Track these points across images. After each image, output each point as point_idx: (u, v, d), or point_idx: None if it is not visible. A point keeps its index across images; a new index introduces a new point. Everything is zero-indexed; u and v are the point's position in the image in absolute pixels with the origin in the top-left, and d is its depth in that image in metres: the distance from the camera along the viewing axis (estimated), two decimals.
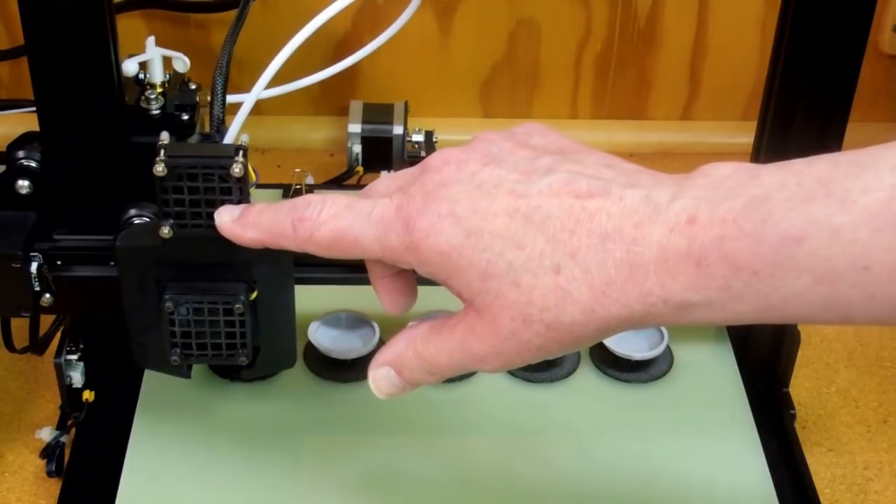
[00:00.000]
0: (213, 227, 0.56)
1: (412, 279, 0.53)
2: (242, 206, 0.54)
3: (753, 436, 0.73)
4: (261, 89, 0.69)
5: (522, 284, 0.44)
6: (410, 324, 0.52)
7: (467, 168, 0.47)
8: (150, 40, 0.69)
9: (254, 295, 0.59)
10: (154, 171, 0.54)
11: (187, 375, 0.63)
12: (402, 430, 0.72)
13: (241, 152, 0.55)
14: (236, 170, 0.54)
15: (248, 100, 0.69)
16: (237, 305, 0.58)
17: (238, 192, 0.55)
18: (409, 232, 0.47)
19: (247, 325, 0.59)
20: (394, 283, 0.53)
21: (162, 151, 0.54)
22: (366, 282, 0.54)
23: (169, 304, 0.58)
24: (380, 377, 0.52)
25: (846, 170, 0.40)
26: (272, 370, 0.65)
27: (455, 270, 0.46)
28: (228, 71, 0.63)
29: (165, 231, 0.56)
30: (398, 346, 0.51)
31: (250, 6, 0.69)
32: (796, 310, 0.41)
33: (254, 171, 0.56)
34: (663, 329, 0.77)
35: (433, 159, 0.48)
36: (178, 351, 0.60)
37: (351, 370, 0.75)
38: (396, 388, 0.52)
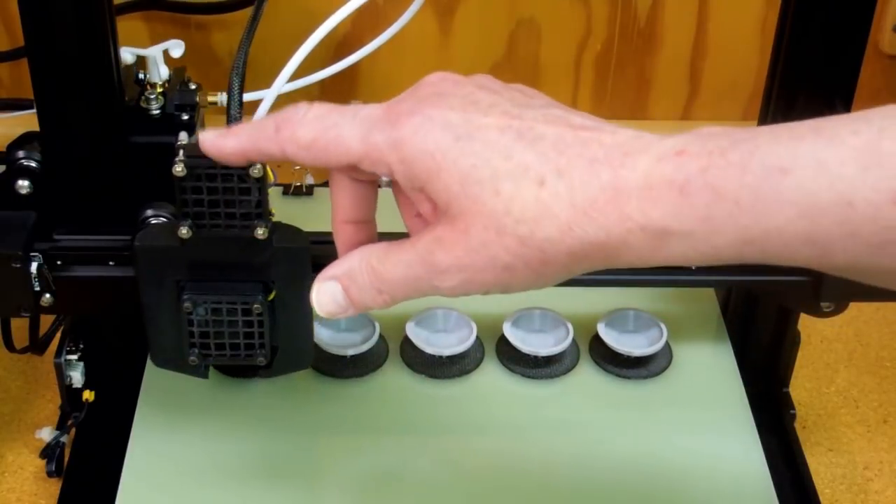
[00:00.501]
0: (232, 227, 0.56)
1: (374, 235, 0.52)
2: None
3: (753, 436, 0.73)
4: (280, 86, 0.69)
5: (503, 192, 0.44)
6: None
7: (464, 87, 0.47)
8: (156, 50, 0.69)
9: (272, 295, 0.59)
10: (173, 171, 0.54)
11: (205, 375, 0.63)
12: (401, 427, 0.72)
13: None
14: (255, 171, 0.54)
15: (266, 98, 0.68)
16: (256, 305, 0.58)
17: (257, 192, 0.55)
18: (397, 129, 0.46)
19: (265, 324, 0.59)
20: (356, 232, 0.51)
21: (181, 152, 0.54)
22: None
23: (188, 304, 0.58)
24: (324, 292, 0.50)
25: (836, 119, 0.41)
26: (289, 370, 0.65)
27: (436, 172, 0.45)
28: (244, 71, 0.63)
29: (184, 231, 0.56)
30: (351, 260, 0.49)
31: (265, 6, 0.69)
32: (776, 244, 0.41)
33: (272, 171, 0.56)
34: (662, 326, 0.77)
35: (429, 76, 0.49)
36: (197, 351, 0.60)
37: (350, 366, 0.75)
38: (340, 306, 0.50)
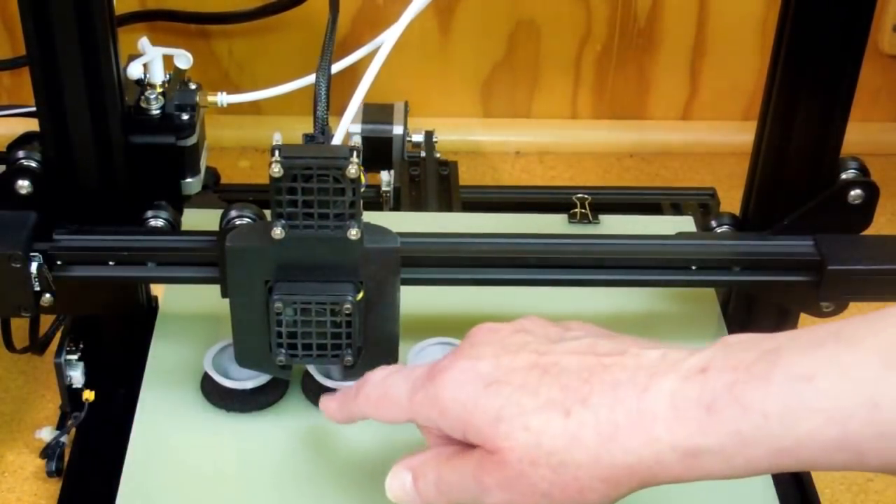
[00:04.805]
0: (324, 227, 0.56)
1: None
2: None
3: None
4: (363, 92, 0.69)
5: (532, 428, 0.46)
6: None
7: (498, 334, 0.51)
8: (144, 41, 0.69)
9: (360, 295, 0.59)
10: (270, 171, 0.54)
11: (289, 376, 0.63)
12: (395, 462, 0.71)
13: (354, 153, 0.55)
14: (352, 171, 0.54)
15: (352, 102, 0.68)
16: (346, 305, 0.58)
17: (351, 192, 0.55)
18: (434, 385, 0.50)
19: (353, 325, 0.59)
20: None
21: (277, 152, 0.54)
22: None
23: (278, 305, 0.58)
24: (395, 478, 0.53)
25: (855, 322, 0.41)
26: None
27: (470, 418, 0.48)
28: (330, 73, 0.63)
29: (278, 231, 0.56)
30: (425, 455, 0.53)
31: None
32: (809, 453, 0.41)
33: (363, 174, 0.56)
34: None
35: (473, 330, 0.53)
36: (284, 351, 0.60)
37: None
38: (407, 495, 0.53)
